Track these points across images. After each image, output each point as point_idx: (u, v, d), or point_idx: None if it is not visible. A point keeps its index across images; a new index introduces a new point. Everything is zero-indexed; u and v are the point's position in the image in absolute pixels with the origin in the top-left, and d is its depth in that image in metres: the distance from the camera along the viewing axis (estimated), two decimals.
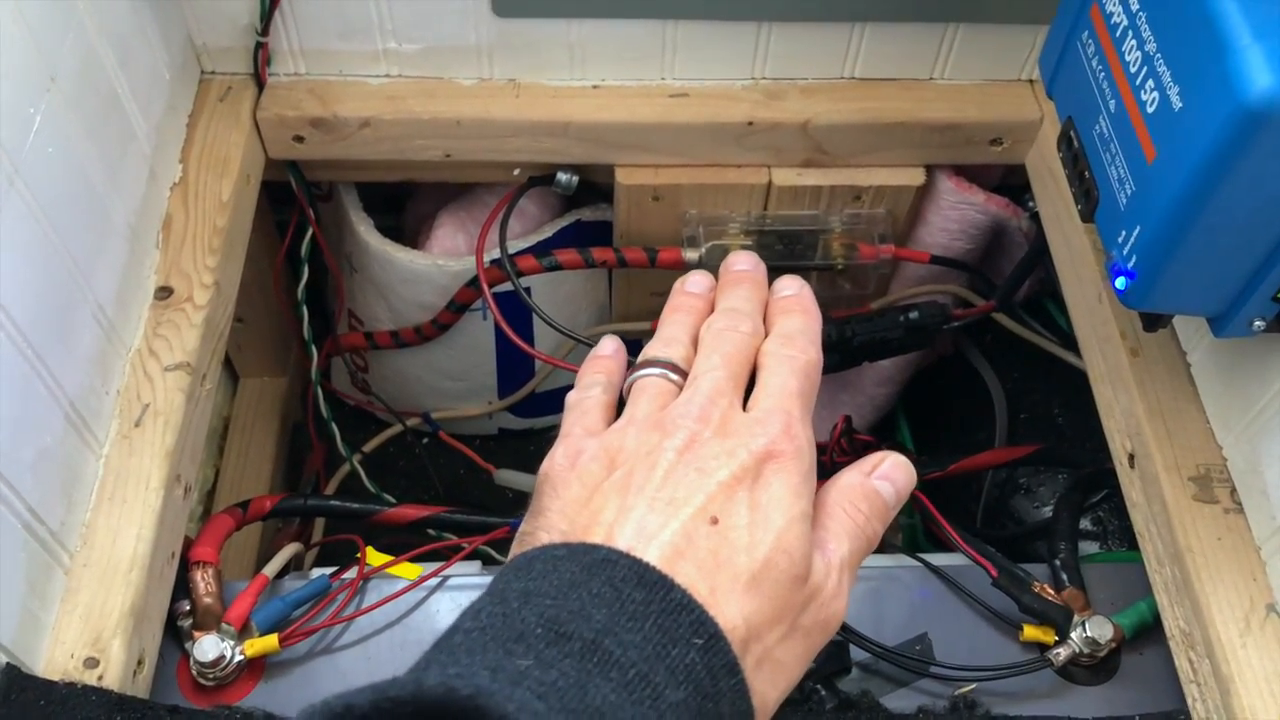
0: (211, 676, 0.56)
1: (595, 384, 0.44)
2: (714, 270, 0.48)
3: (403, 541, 0.64)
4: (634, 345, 0.46)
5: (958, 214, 0.80)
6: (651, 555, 0.35)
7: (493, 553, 0.76)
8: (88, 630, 0.51)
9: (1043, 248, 0.74)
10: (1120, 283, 0.49)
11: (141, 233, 0.62)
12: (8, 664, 0.47)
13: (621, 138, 0.73)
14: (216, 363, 0.64)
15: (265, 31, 0.69)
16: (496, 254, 0.77)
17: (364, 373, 0.97)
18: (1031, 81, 0.75)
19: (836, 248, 0.78)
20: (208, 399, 0.62)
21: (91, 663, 0.50)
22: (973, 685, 0.58)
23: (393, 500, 0.81)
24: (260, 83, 0.72)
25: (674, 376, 0.42)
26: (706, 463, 0.38)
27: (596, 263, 0.78)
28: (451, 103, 0.72)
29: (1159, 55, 0.45)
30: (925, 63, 0.73)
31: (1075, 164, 0.52)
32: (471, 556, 0.63)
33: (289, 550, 0.64)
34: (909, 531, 0.89)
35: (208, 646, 0.55)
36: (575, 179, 0.77)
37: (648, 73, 0.73)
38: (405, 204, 0.93)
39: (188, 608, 0.58)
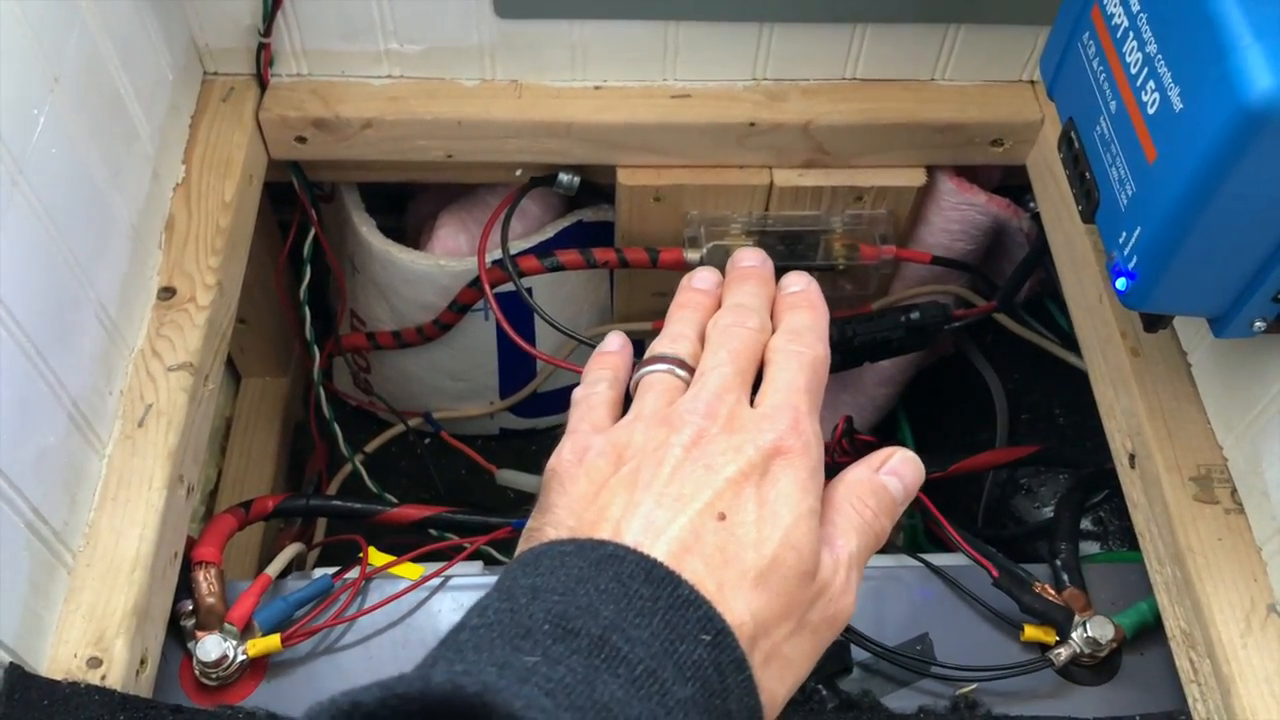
0: (214, 676, 0.56)
1: (601, 380, 0.44)
2: (718, 269, 0.48)
3: (405, 542, 0.64)
4: (636, 346, 0.46)
5: (959, 214, 0.80)
6: (659, 551, 0.35)
7: (494, 553, 0.76)
8: (91, 630, 0.51)
9: (1043, 248, 0.74)
10: (1121, 283, 0.49)
11: (144, 233, 0.62)
12: (11, 663, 0.48)
13: (623, 138, 0.73)
14: (219, 363, 0.64)
15: (268, 32, 0.69)
16: (498, 254, 0.77)
17: (366, 373, 0.97)
18: (1033, 82, 0.75)
19: (838, 248, 0.78)
20: (210, 399, 0.63)
21: (95, 662, 0.50)
22: (974, 685, 0.58)
23: (395, 500, 0.81)
24: (263, 83, 0.72)
25: (681, 372, 0.42)
26: (714, 459, 0.38)
27: (598, 263, 0.78)
28: (453, 103, 0.72)
29: (1160, 56, 0.45)
30: (926, 64, 0.74)
31: (1076, 165, 0.52)
32: (473, 557, 0.63)
33: (291, 550, 0.64)
34: (910, 532, 0.89)
35: (210, 646, 0.55)
36: (577, 179, 0.77)
37: (650, 74, 0.73)
38: (407, 204, 0.93)
39: (190, 607, 0.58)
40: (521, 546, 0.39)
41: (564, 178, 0.77)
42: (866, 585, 0.62)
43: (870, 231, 0.78)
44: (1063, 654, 0.58)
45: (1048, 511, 0.83)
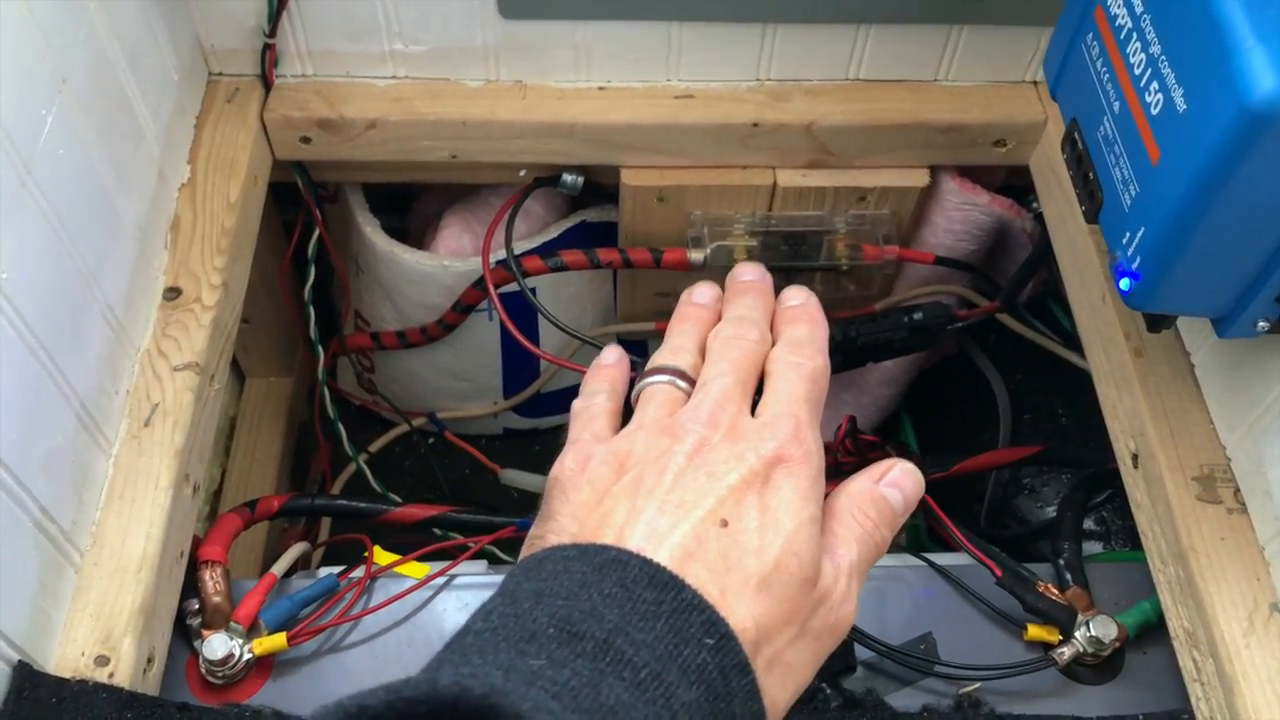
0: (220, 674, 0.56)
1: (600, 391, 0.45)
2: (718, 272, 0.48)
3: (408, 541, 0.64)
4: (638, 347, 0.46)
5: (962, 215, 0.80)
6: (662, 556, 0.35)
7: (498, 552, 0.76)
8: (98, 628, 0.52)
9: (1046, 248, 0.74)
10: (1124, 284, 0.49)
11: (150, 233, 0.62)
12: (20, 661, 0.48)
13: (627, 139, 0.73)
14: (225, 363, 0.64)
15: (273, 33, 0.69)
16: (502, 254, 0.77)
17: (370, 373, 0.97)
18: (1036, 83, 0.75)
19: (841, 249, 0.79)
20: (216, 399, 0.63)
21: (102, 660, 0.51)
22: (977, 684, 0.59)
23: (399, 500, 0.81)
24: (267, 84, 0.72)
25: (682, 384, 0.42)
26: (716, 466, 0.38)
27: (601, 263, 0.78)
28: (457, 104, 0.72)
29: (1163, 57, 0.45)
30: (930, 64, 0.74)
31: (1079, 165, 0.52)
32: (478, 556, 0.64)
33: (297, 549, 0.64)
34: (913, 531, 0.89)
35: (217, 645, 0.56)
36: (580, 180, 0.77)
37: (653, 74, 0.73)
38: (411, 204, 0.93)
39: (197, 606, 0.58)
40: (524, 553, 0.39)
41: (568, 178, 0.77)
42: (870, 584, 0.63)
43: (873, 232, 0.78)
44: (1066, 653, 0.59)
45: (1050, 511, 0.83)
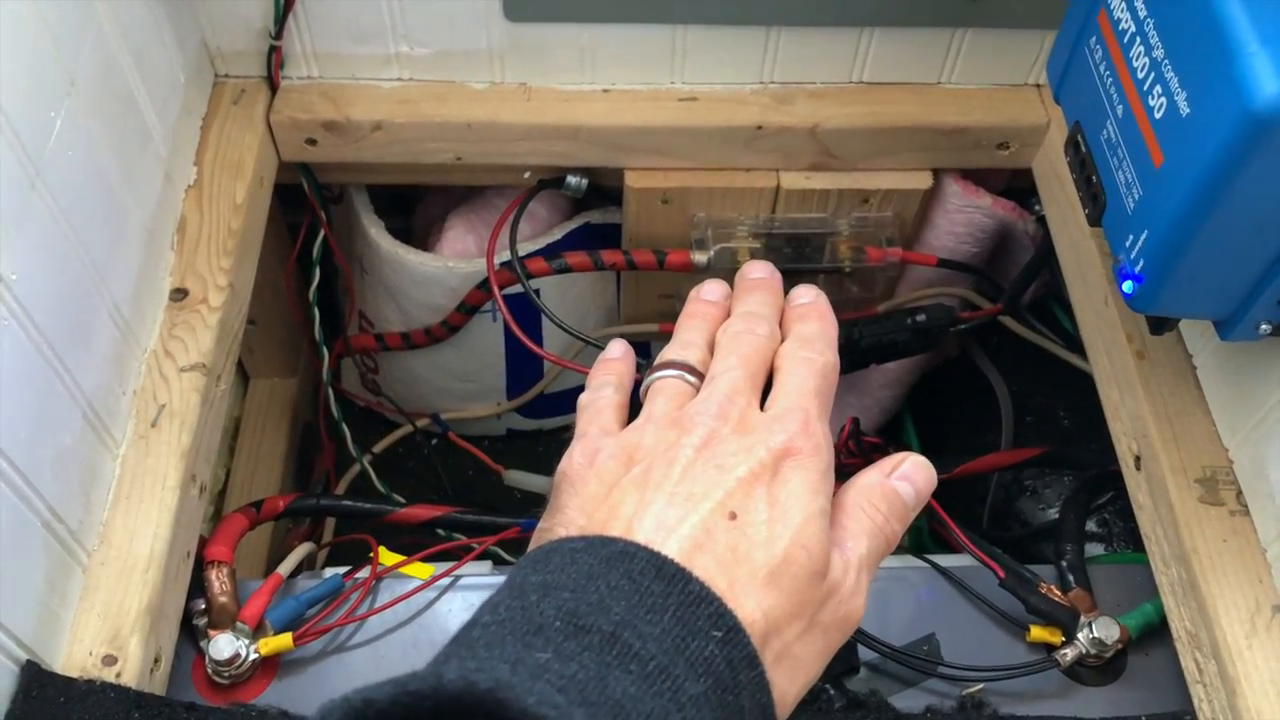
0: (226, 674, 0.56)
1: (606, 384, 0.45)
2: (722, 274, 0.48)
3: (413, 542, 0.65)
4: (642, 348, 0.46)
5: (964, 217, 0.80)
6: (670, 549, 0.35)
7: (503, 553, 0.76)
8: (106, 628, 0.52)
9: (1049, 251, 0.74)
10: (1127, 286, 0.49)
11: (157, 235, 0.62)
12: (28, 661, 0.48)
13: (631, 141, 0.74)
14: (231, 363, 0.64)
15: (279, 35, 0.70)
16: (506, 256, 0.78)
17: (374, 374, 0.97)
18: (1039, 86, 0.75)
19: (844, 250, 0.79)
20: (222, 399, 0.63)
21: (109, 660, 0.51)
22: (980, 685, 0.59)
23: (403, 501, 0.81)
24: (273, 86, 0.72)
25: (691, 378, 0.42)
26: (725, 459, 0.38)
27: (605, 265, 0.78)
28: (463, 106, 0.73)
29: (1166, 61, 0.45)
30: (933, 67, 0.74)
31: (1083, 168, 0.53)
32: (482, 557, 0.64)
33: (302, 550, 0.65)
34: (915, 533, 0.90)
35: (223, 645, 0.56)
36: (585, 182, 0.78)
37: (658, 77, 0.74)
38: (416, 206, 0.93)
39: (203, 606, 0.58)
40: (532, 546, 0.39)
41: (572, 180, 0.77)
42: (873, 586, 0.61)
43: (876, 234, 0.79)
44: (1068, 654, 0.59)
45: (1053, 513, 0.83)
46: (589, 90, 0.74)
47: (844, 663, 0.59)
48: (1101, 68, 0.50)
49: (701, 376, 0.42)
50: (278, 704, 0.54)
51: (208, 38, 0.70)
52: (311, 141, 0.73)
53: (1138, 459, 0.61)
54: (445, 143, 0.74)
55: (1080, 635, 0.59)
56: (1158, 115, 0.46)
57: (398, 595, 0.61)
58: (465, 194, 0.86)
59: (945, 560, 0.64)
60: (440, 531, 0.71)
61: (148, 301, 0.61)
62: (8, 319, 0.47)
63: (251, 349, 0.94)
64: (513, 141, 0.74)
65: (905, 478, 0.42)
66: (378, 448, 0.97)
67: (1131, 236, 0.48)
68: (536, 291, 0.81)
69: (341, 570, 0.62)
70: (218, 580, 0.58)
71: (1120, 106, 0.49)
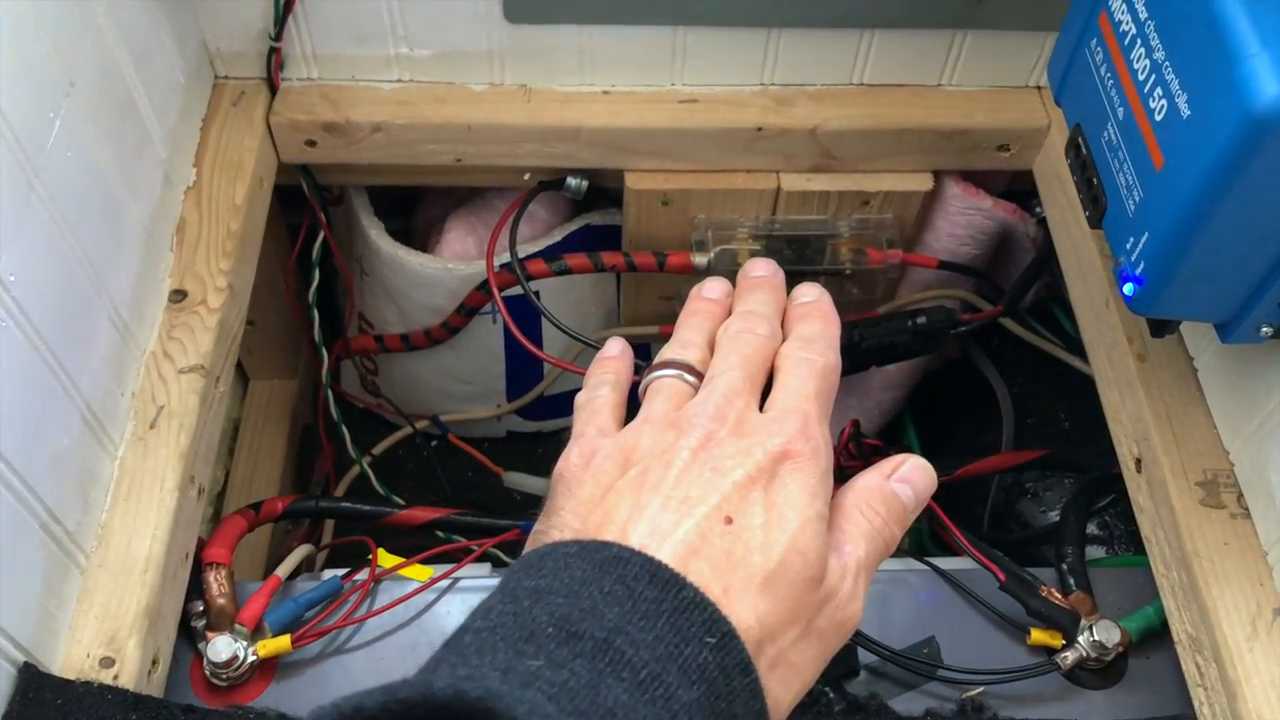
0: (225, 677, 0.56)
1: (604, 384, 0.44)
2: (723, 275, 0.48)
3: (412, 544, 0.64)
4: (642, 350, 0.46)
5: (965, 219, 0.80)
6: (665, 554, 0.35)
7: (502, 555, 0.76)
8: (103, 630, 0.52)
9: (1050, 253, 0.74)
10: (1128, 289, 0.49)
11: (156, 236, 0.62)
12: (25, 663, 0.48)
13: (631, 143, 0.74)
14: (230, 365, 0.64)
15: (279, 36, 0.70)
16: (506, 258, 0.78)
17: (373, 375, 0.97)
18: (1039, 88, 0.75)
19: (844, 252, 0.79)
20: (221, 401, 0.63)
21: (107, 662, 0.51)
22: (980, 688, 0.59)
23: (402, 502, 0.81)
24: (273, 87, 0.72)
25: (690, 378, 0.42)
26: (722, 462, 0.37)
27: (605, 267, 0.78)
28: (463, 108, 0.73)
29: (1167, 63, 0.45)
30: (934, 69, 0.74)
31: (1083, 170, 0.52)
32: (482, 559, 0.64)
33: (301, 552, 0.65)
34: (916, 535, 0.89)
35: (221, 647, 0.56)
36: (585, 183, 0.78)
37: (658, 78, 0.73)
38: (415, 208, 0.93)
39: (201, 608, 0.58)
40: (527, 549, 0.38)
41: (572, 182, 0.77)
42: (873, 589, 0.62)
43: (877, 236, 0.78)
44: (1069, 657, 0.59)
45: (1053, 516, 0.83)
46: (589, 92, 0.74)
47: (844, 665, 0.59)
48: (1102, 70, 0.50)
49: (701, 376, 0.42)
50: (276, 706, 0.54)
51: (207, 39, 0.70)
52: (311, 143, 0.73)
53: (1138, 461, 0.60)
54: (445, 144, 0.73)
55: (1081, 638, 0.59)
56: (1158, 117, 0.46)
57: (396, 597, 0.60)
58: (465, 195, 0.86)
59: (945, 563, 0.64)
60: (439, 533, 0.71)
61: (147, 303, 0.61)
62: (6, 321, 0.46)
63: (251, 350, 0.94)
64: (513, 143, 0.73)
65: (905, 480, 0.41)
66: (377, 449, 0.97)
67: (1132, 239, 0.48)
68: (536, 293, 0.81)
69: (340, 572, 0.61)
70: (216, 582, 0.58)
71: (1121, 108, 0.49)
